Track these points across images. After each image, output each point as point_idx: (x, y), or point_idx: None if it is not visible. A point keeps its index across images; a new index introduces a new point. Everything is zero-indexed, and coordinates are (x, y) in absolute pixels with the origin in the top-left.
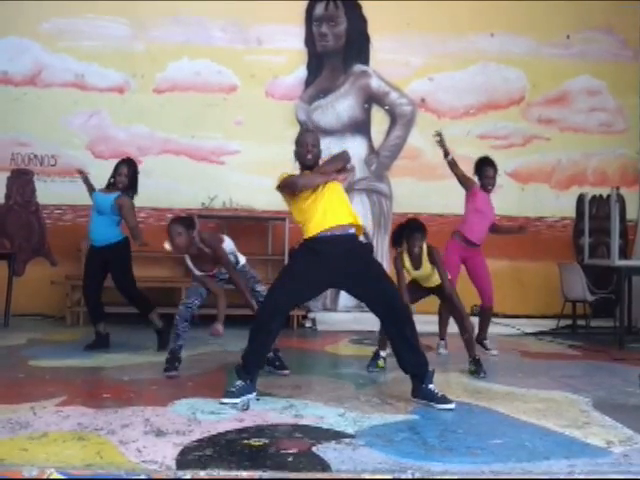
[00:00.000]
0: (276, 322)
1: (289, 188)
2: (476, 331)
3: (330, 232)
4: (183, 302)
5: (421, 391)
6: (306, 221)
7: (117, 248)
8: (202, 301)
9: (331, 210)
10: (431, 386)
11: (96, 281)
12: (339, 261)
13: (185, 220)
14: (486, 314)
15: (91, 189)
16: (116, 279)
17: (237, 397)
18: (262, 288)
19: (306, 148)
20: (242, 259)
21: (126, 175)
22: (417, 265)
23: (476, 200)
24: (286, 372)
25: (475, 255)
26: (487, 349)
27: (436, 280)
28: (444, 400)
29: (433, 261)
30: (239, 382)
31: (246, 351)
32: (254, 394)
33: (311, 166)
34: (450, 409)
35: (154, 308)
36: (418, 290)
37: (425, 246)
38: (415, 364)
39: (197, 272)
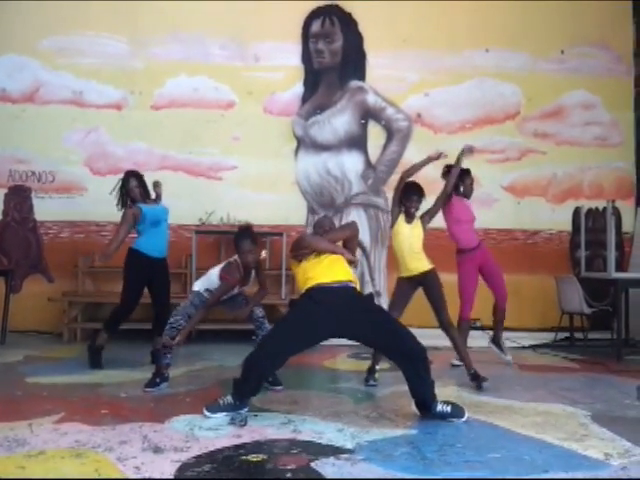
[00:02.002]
0: (271, 369)
1: (298, 244)
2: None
3: (329, 285)
4: (170, 322)
5: (433, 415)
6: (307, 279)
7: (166, 260)
8: (186, 321)
9: (331, 269)
10: (439, 408)
11: (140, 294)
12: (340, 310)
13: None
14: (500, 315)
15: (118, 245)
16: (164, 290)
17: (220, 412)
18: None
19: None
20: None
21: (137, 186)
22: (410, 220)
23: (452, 210)
24: (279, 388)
25: (486, 256)
26: (502, 350)
27: (422, 261)
28: (457, 414)
29: (424, 224)
30: (229, 398)
31: (239, 380)
32: (244, 411)
33: None
34: (464, 420)
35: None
36: (407, 291)
37: (419, 213)
38: (426, 394)
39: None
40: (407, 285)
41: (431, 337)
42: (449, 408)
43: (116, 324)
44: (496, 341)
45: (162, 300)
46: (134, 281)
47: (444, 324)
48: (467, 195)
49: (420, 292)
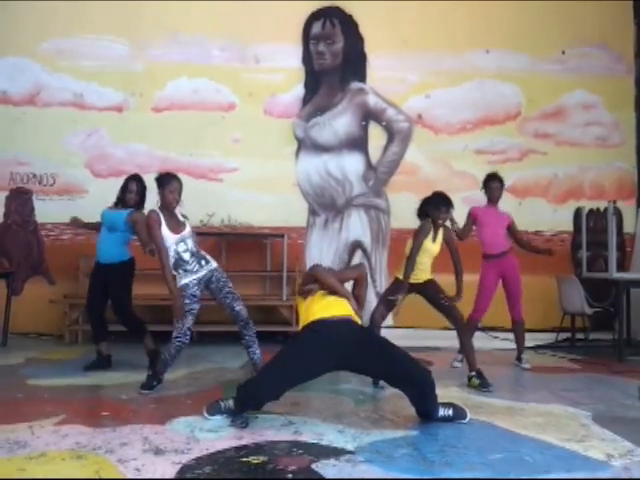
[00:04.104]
0: (268, 399)
1: (310, 276)
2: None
3: (329, 318)
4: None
5: (434, 420)
6: (309, 314)
7: (122, 267)
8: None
9: (333, 306)
10: (441, 413)
11: (99, 298)
12: (340, 342)
13: None
14: (517, 329)
15: (93, 227)
16: (113, 297)
17: (218, 414)
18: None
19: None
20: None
21: (136, 192)
22: (435, 237)
23: (477, 218)
24: None
25: (509, 268)
26: (521, 363)
27: (427, 272)
28: (459, 415)
29: (447, 240)
30: (231, 404)
31: (239, 398)
32: (242, 418)
33: None
34: (467, 421)
35: (147, 332)
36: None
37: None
38: (429, 408)
39: None
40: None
41: (431, 337)
42: (451, 412)
43: (94, 329)
44: (518, 357)
45: (115, 303)
46: (90, 283)
47: (453, 323)
48: (490, 199)
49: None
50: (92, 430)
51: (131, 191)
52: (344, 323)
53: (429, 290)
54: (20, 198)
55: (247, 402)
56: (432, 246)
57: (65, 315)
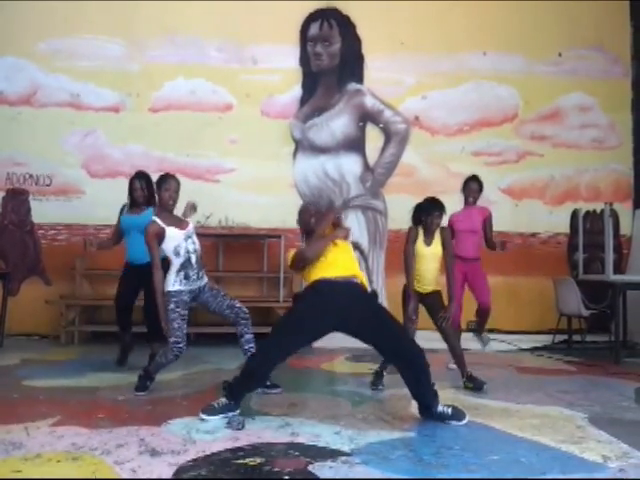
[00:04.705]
0: (275, 365)
1: (302, 263)
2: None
3: (333, 279)
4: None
5: (432, 415)
6: (311, 273)
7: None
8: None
9: (335, 263)
10: (440, 408)
11: (132, 300)
12: (343, 304)
13: None
14: (483, 313)
15: (107, 245)
16: (150, 298)
17: (217, 414)
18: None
19: (309, 213)
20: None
21: (141, 188)
22: (429, 241)
23: (454, 226)
24: (276, 391)
25: (475, 269)
26: (483, 340)
27: (433, 281)
28: (457, 416)
29: (443, 242)
30: (224, 400)
31: (239, 379)
32: (236, 412)
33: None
34: (464, 423)
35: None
36: (417, 303)
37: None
38: (426, 396)
39: None
40: (416, 298)
41: (428, 340)
42: (450, 410)
43: (121, 319)
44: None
45: (150, 304)
46: (122, 286)
47: (442, 329)
48: (466, 199)
49: None
50: (88, 431)
51: (136, 189)
52: (348, 286)
53: (430, 302)
54: (17, 198)
55: (255, 371)
56: (427, 251)
57: (61, 316)
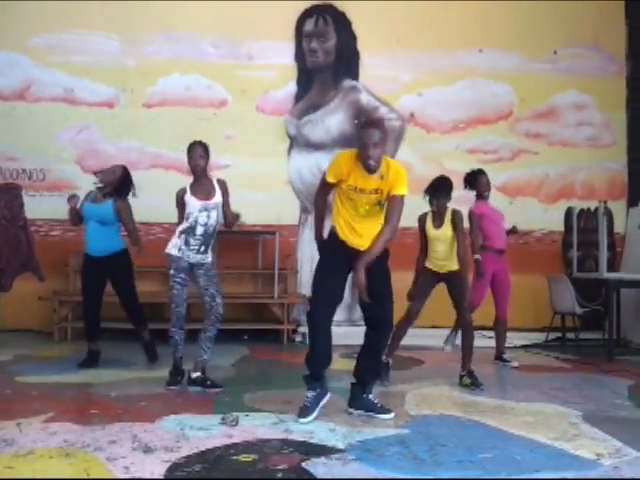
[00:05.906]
0: (329, 318)
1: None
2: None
3: (349, 245)
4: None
5: (361, 401)
6: (343, 222)
7: (121, 257)
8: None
9: (361, 235)
10: (371, 396)
11: (98, 294)
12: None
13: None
14: (499, 328)
15: (76, 215)
16: (120, 290)
17: (313, 411)
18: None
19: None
20: None
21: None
22: (438, 224)
23: (490, 216)
24: (217, 390)
25: (504, 268)
26: (507, 361)
27: (452, 260)
28: (384, 410)
29: (454, 225)
30: (310, 393)
31: (308, 355)
32: (328, 395)
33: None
34: (390, 419)
35: (146, 323)
36: (429, 283)
37: (450, 209)
38: (368, 370)
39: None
40: (430, 277)
41: (422, 336)
42: (378, 402)
43: (89, 326)
44: (499, 355)
45: (123, 296)
46: (84, 279)
47: (461, 322)
48: (481, 194)
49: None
50: (81, 428)
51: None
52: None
53: (452, 283)
54: (9, 193)
55: (315, 336)
56: (436, 233)
57: (54, 312)
